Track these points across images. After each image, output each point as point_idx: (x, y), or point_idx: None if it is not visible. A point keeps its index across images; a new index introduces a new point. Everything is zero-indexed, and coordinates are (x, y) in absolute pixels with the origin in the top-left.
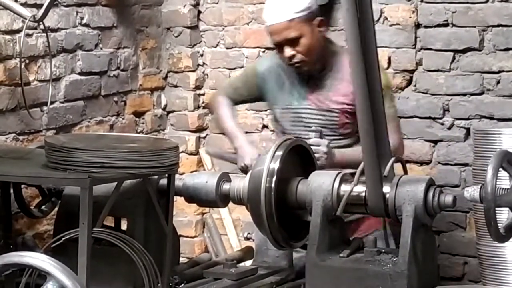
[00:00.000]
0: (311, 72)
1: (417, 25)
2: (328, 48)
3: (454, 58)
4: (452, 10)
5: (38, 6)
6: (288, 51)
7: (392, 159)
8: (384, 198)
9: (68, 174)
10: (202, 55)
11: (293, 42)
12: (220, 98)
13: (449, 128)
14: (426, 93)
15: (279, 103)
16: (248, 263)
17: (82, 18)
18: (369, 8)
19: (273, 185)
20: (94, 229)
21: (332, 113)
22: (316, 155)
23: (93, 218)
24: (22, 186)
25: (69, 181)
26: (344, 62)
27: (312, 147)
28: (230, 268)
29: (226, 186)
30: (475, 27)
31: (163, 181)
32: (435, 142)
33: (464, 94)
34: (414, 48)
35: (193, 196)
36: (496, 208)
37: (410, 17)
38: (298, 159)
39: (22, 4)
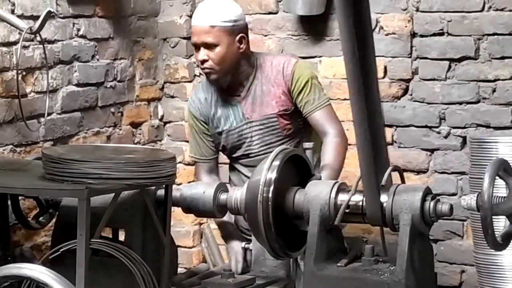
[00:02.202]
0: (220, 82)
1: (413, 34)
2: (249, 61)
3: (450, 67)
4: (448, 19)
5: (34, 18)
6: (202, 55)
7: (390, 168)
8: (382, 207)
9: (66, 186)
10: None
11: (208, 47)
12: (199, 174)
13: (446, 137)
14: (422, 102)
15: (219, 129)
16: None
17: (78, 30)
18: (367, 18)
19: (270, 195)
20: (92, 240)
21: (271, 119)
22: None
23: (91, 229)
24: (20, 197)
25: (66, 193)
26: (266, 66)
27: None
28: (228, 278)
29: (223, 196)
30: (470, 36)
31: (161, 192)
32: (432, 150)
33: (460, 103)
34: (410, 57)
35: (190, 207)
36: (493, 217)
37: (406, 26)
38: (295, 169)
39: (18, 16)
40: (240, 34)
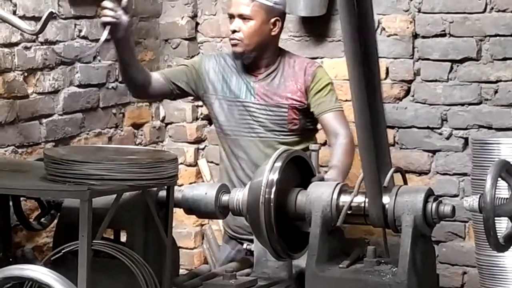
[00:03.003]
0: (244, 58)
1: (415, 36)
2: (278, 49)
3: (451, 68)
4: (450, 20)
5: (36, 19)
6: (234, 25)
7: (392, 169)
8: (384, 208)
9: (67, 187)
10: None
11: (243, 19)
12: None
13: (448, 138)
14: (424, 103)
15: (222, 93)
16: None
17: (80, 31)
18: (371, 18)
19: (272, 196)
20: (94, 241)
21: (281, 108)
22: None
23: (92, 230)
24: (21, 198)
25: (68, 194)
26: (290, 61)
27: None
28: (229, 280)
29: (225, 198)
30: (472, 37)
31: (162, 193)
32: (434, 152)
33: (462, 104)
34: (412, 58)
35: (192, 208)
36: (495, 218)
37: (408, 28)
38: (297, 170)
39: (20, 17)
40: (276, 17)
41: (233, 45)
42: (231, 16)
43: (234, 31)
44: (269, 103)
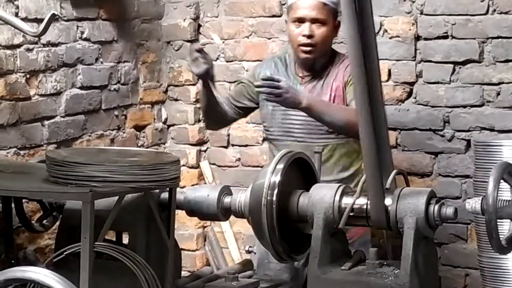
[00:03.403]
0: (313, 66)
1: (417, 37)
2: (332, 52)
3: (454, 70)
4: (452, 22)
5: (38, 21)
6: (308, 30)
7: (394, 171)
8: (386, 210)
9: (70, 189)
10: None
11: (316, 24)
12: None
13: (450, 140)
14: (426, 105)
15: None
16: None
17: (82, 33)
18: (370, 20)
19: (274, 198)
20: (96, 243)
21: None
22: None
23: (94, 232)
24: (24, 200)
25: (70, 195)
26: (338, 62)
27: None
28: (231, 282)
29: (227, 200)
30: (474, 39)
31: (165, 195)
32: (436, 154)
33: (465, 106)
34: (414, 60)
35: (194, 210)
36: (498, 220)
37: (410, 30)
38: (299, 172)
39: (22, 19)
40: (339, 19)
41: (306, 52)
42: (299, 20)
43: (308, 36)
44: None
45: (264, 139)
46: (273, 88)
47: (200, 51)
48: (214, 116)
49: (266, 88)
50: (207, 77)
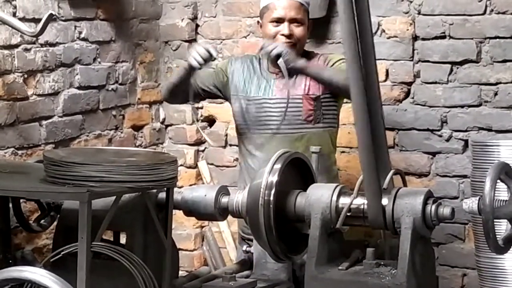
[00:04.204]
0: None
1: (415, 38)
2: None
3: (451, 70)
4: (450, 22)
5: (36, 20)
6: (288, 29)
7: (391, 171)
8: (383, 210)
9: (67, 188)
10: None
11: (295, 23)
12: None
13: (447, 140)
14: (424, 105)
15: (245, 94)
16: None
17: (80, 33)
18: (367, 20)
19: (271, 198)
20: (93, 243)
21: (296, 99)
22: (274, 50)
23: (92, 232)
24: (21, 200)
25: (68, 195)
26: (313, 59)
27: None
28: (229, 282)
29: (224, 200)
30: (472, 39)
31: (162, 195)
32: (434, 154)
33: (462, 106)
34: (412, 60)
35: (192, 210)
36: (495, 220)
37: (408, 30)
38: (297, 172)
39: (20, 19)
40: (310, 19)
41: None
42: (278, 20)
43: (288, 36)
44: (285, 96)
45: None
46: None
47: (209, 52)
48: (178, 93)
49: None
50: (195, 71)
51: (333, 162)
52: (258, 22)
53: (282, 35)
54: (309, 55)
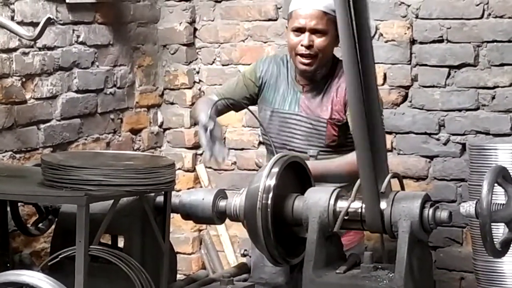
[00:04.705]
0: (313, 76)
1: (412, 41)
2: (334, 59)
3: (449, 74)
4: (447, 26)
5: (34, 24)
6: (308, 40)
7: (389, 175)
8: (381, 214)
9: (65, 192)
10: (198, 72)
11: (316, 34)
12: (205, 96)
13: (445, 144)
14: (422, 109)
15: (270, 105)
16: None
17: (78, 36)
18: (366, 23)
19: (269, 201)
20: (91, 246)
21: (320, 122)
22: None
23: (90, 235)
24: (19, 204)
25: (65, 199)
26: (339, 73)
27: None
28: (227, 285)
29: (222, 203)
30: (470, 43)
31: (160, 198)
32: (431, 157)
33: (460, 110)
34: (410, 64)
35: (189, 213)
36: (492, 224)
37: (405, 33)
38: (294, 176)
39: (18, 23)
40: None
41: (305, 63)
42: (299, 30)
43: (307, 46)
44: (310, 115)
45: (261, 143)
46: None
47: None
48: None
49: None
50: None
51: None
52: (286, 27)
53: (302, 45)
54: (337, 65)
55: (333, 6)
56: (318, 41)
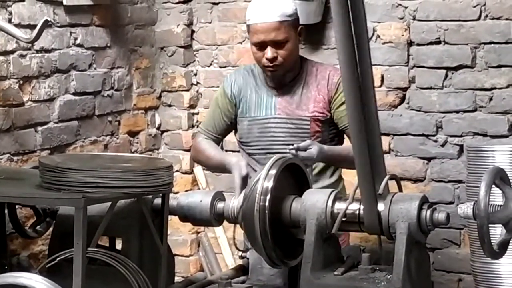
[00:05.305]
0: (284, 79)
1: (410, 43)
2: (301, 58)
3: (446, 75)
4: (444, 27)
5: (31, 27)
6: (271, 53)
7: (387, 176)
8: (379, 215)
9: (63, 194)
10: (196, 74)
11: (278, 44)
12: (197, 140)
13: (443, 145)
14: (419, 111)
15: (246, 115)
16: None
17: (76, 39)
18: (363, 25)
19: (267, 203)
20: (89, 249)
21: (303, 121)
22: (307, 155)
23: (87, 238)
24: (17, 206)
25: (63, 201)
26: (312, 71)
27: (302, 153)
28: (225, 287)
29: (220, 205)
30: (467, 44)
31: (158, 201)
32: (429, 159)
33: (457, 111)
34: (407, 65)
35: (187, 215)
36: (490, 225)
37: (403, 35)
38: (292, 178)
39: (15, 25)
40: (300, 26)
41: (273, 71)
42: (262, 44)
43: (273, 59)
44: (291, 116)
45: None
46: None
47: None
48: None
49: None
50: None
51: (338, 179)
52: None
53: (266, 59)
54: (302, 66)
55: (287, 10)
56: (281, 52)
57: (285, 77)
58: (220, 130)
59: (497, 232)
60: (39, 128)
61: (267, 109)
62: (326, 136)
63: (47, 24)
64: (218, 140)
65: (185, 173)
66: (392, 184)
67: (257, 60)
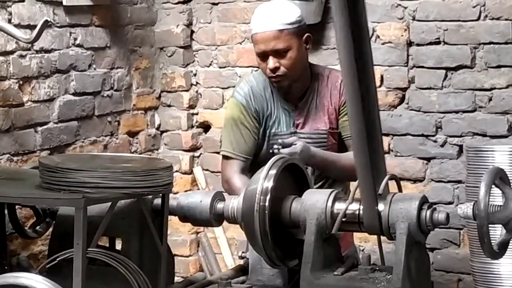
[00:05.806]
0: (291, 90)
1: (409, 43)
2: (311, 67)
3: (446, 75)
4: (444, 28)
5: (31, 27)
6: (273, 63)
7: (387, 177)
8: (379, 216)
9: (62, 195)
10: (195, 75)
11: (279, 53)
12: (231, 176)
13: (442, 146)
14: (419, 111)
15: (272, 130)
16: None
17: (75, 39)
18: (364, 25)
19: (267, 203)
20: (89, 249)
21: (321, 135)
22: (290, 150)
23: (87, 238)
24: (17, 206)
25: (63, 202)
26: (324, 79)
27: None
28: (224, 287)
29: (220, 205)
30: (466, 44)
31: (157, 201)
32: (428, 159)
33: (457, 112)
34: (407, 66)
35: (187, 216)
36: (489, 225)
37: (402, 35)
38: (292, 178)
39: (15, 26)
40: (306, 34)
41: (278, 82)
42: (263, 54)
43: (275, 69)
44: (309, 130)
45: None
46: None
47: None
48: None
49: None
50: None
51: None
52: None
53: (269, 69)
54: (313, 75)
55: (288, 18)
56: (284, 61)
57: (292, 88)
58: (253, 151)
59: (497, 232)
60: (39, 129)
61: (286, 125)
62: (339, 146)
63: (47, 25)
64: (250, 160)
65: (185, 173)
66: (392, 184)
67: (263, 71)
